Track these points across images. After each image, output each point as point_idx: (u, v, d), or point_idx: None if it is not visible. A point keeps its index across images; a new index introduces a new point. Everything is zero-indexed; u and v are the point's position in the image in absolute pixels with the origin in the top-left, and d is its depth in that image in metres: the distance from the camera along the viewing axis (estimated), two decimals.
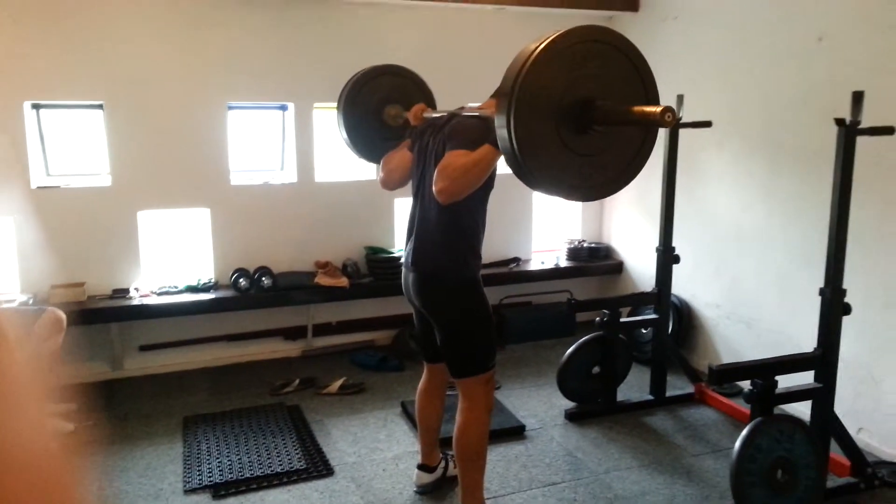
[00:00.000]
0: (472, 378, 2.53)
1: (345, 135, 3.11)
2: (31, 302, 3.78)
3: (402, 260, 2.68)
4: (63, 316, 3.53)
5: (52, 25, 3.84)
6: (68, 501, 0.43)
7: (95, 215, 4.07)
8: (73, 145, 4.23)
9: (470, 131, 2.34)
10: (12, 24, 3.76)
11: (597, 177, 1.94)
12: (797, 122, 3.64)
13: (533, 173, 1.88)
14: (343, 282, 4.34)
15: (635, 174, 1.99)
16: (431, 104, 3.07)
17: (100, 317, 3.98)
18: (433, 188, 2.27)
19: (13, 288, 3.94)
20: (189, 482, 3.03)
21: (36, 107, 3.99)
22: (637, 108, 1.78)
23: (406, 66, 3.26)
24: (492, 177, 2.43)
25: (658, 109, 1.71)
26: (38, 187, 4.00)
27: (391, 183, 2.78)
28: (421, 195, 2.58)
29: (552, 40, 1.80)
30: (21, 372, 0.42)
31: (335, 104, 4.45)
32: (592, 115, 1.83)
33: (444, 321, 2.55)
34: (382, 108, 3.12)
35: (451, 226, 2.50)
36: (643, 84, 1.90)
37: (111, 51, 3.97)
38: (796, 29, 3.62)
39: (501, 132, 1.85)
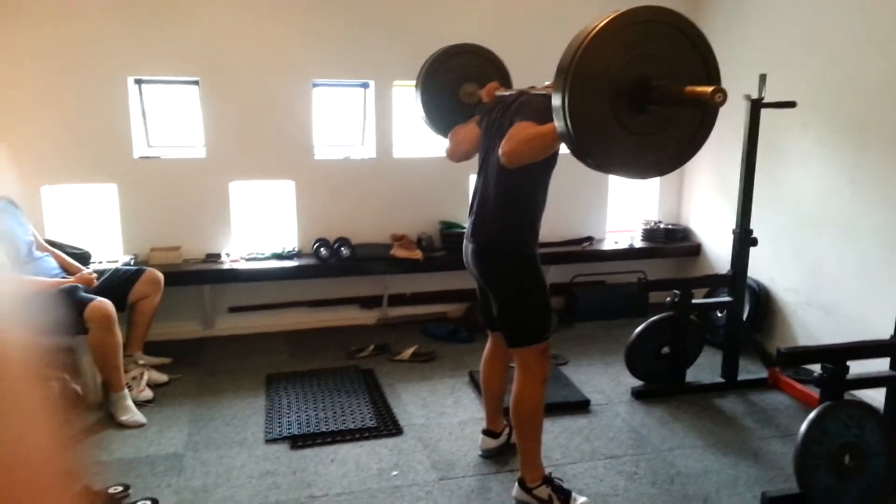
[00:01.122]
0: (525, 348, 2.61)
1: (422, 110, 3.21)
2: (132, 263, 4.10)
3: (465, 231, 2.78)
4: (160, 276, 3.82)
5: (153, 7, 4.12)
6: (64, 500, 0.42)
7: (191, 184, 4.36)
8: (171, 119, 4.53)
9: (537, 107, 2.40)
10: (120, 7, 4.06)
11: (652, 156, 1.97)
12: (885, 105, 3.49)
13: (587, 150, 1.93)
14: (417, 254, 4.49)
15: (692, 154, 2.01)
16: (507, 84, 3.12)
17: (194, 279, 4.28)
18: (500, 148, 2.34)
19: (117, 249, 4.29)
20: (270, 433, 3.25)
21: (138, 82, 4.30)
22: (689, 88, 1.79)
23: (485, 44, 3.32)
24: (554, 156, 2.49)
25: (709, 89, 1.72)
26: (140, 157, 4.31)
27: (456, 155, 2.89)
28: (485, 170, 2.67)
29: (609, 21, 1.84)
30: (17, 369, 0.40)
31: (414, 82, 4.59)
32: (648, 94, 1.86)
33: (498, 292, 2.63)
34: (459, 85, 3.18)
35: (511, 201, 2.58)
36: (705, 65, 1.91)
37: (207, 30, 4.22)
38: (885, 8, 3.46)
39: (557, 110, 1.91)
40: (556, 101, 1.93)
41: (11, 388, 0.40)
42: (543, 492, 2.64)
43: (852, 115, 3.73)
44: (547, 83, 2.74)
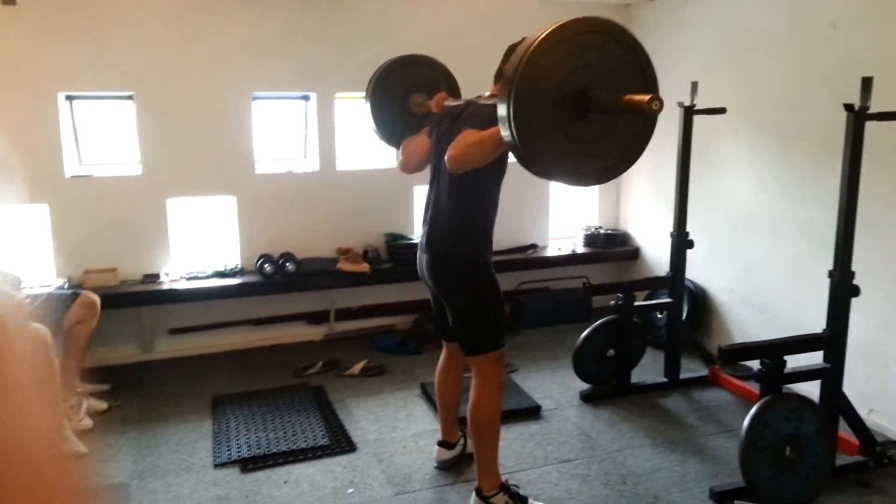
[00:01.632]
0: (482, 356, 2.64)
1: (372, 121, 3.20)
2: (65, 286, 3.94)
3: (418, 242, 2.79)
4: (97, 299, 3.69)
5: (84, 19, 3.99)
6: (70, 499, 0.41)
7: (127, 203, 4.23)
8: (104, 135, 4.39)
9: (484, 117, 2.43)
10: (48, 19, 3.91)
11: (596, 163, 2.03)
12: (809, 108, 3.68)
13: (532, 159, 1.97)
14: (364, 267, 4.46)
15: (634, 160, 2.08)
16: (456, 94, 3.15)
17: (131, 301, 4.13)
18: (446, 154, 2.36)
19: (49, 273, 4.11)
20: (219, 457, 3.17)
21: (69, 98, 4.14)
22: (627, 97, 1.86)
23: (429, 55, 3.34)
24: (503, 164, 2.53)
25: (646, 98, 1.79)
26: (72, 176, 4.16)
27: (409, 167, 2.90)
28: (437, 181, 2.68)
29: (551, 31, 1.89)
30: (22, 366, 0.40)
31: (357, 94, 4.55)
32: (589, 103, 1.92)
33: (454, 302, 2.66)
34: (408, 96, 3.18)
35: (464, 211, 2.61)
36: (643, 75, 1.98)
37: (141, 44, 4.11)
38: (809, 16, 3.66)
39: (503, 119, 1.94)
40: (502, 110, 1.97)
41: (15, 388, 0.39)
42: (500, 499, 2.66)
43: (778, 120, 3.91)
44: (487, 94, 2.79)
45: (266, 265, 4.33)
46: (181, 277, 4.29)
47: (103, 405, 3.66)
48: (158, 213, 4.30)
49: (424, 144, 2.80)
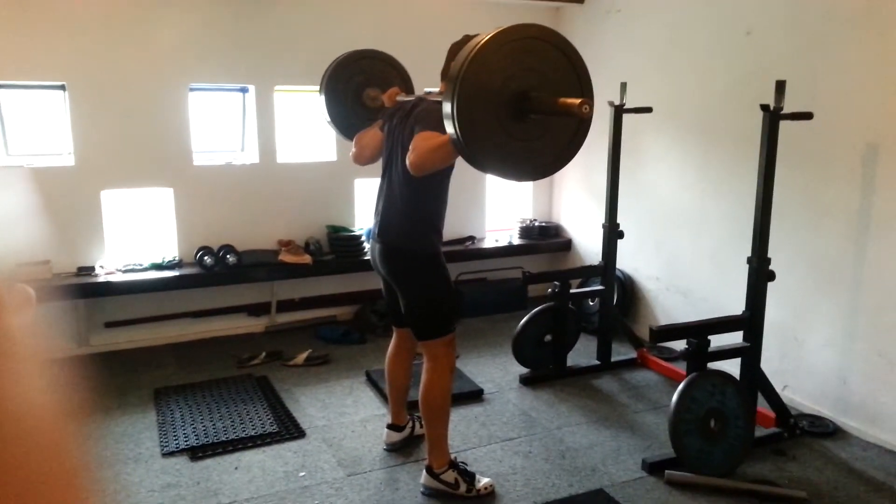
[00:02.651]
0: (434, 340, 2.76)
1: (326, 113, 3.25)
2: None
3: (370, 231, 2.88)
4: (32, 293, 3.59)
5: (12, 5, 3.86)
6: (67, 464, 0.42)
7: (59, 194, 4.11)
8: (34, 125, 4.25)
9: (435, 115, 2.53)
10: None
11: (535, 159, 2.18)
12: (728, 108, 3.97)
13: (475, 155, 2.11)
14: (306, 259, 4.50)
15: (570, 158, 2.24)
16: (409, 89, 3.25)
17: (65, 294, 4.04)
18: (407, 159, 2.46)
19: None
20: (166, 446, 3.17)
21: None
22: (561, 100, 2.01)
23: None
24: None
25: (577, 101, 1.95)
26: (1, 167, 4.02)
27: (362, 159, 2.98)
28: (389, 173, 2.78)
29: (494, 35, 2.02)
30: (21, 335, 0.41)
31: (296, 87, 4.60)
32: (528, 104, 2.06)
33: (406, 289, 2.76)
34: (363, 89, 3.26)
35: (415, 203, 2.71)
36: (578, 78, 2.14)
37: (73, 32, 4.01)
38: (727, 23, 3.94)
39: (447, 116, 2.07)
40: (447, 108, 2.09)
41: (15, 355, 0.40)
42: (450, 476, 2.79)
43: (700, 119, 4.19)
44: (427, 89, 2.90)
45: (206, 257, 4.31)
46: (117, 270, 4.22)
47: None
48: (93, 204, 4.22)
49: (377, 137, 2.89)
